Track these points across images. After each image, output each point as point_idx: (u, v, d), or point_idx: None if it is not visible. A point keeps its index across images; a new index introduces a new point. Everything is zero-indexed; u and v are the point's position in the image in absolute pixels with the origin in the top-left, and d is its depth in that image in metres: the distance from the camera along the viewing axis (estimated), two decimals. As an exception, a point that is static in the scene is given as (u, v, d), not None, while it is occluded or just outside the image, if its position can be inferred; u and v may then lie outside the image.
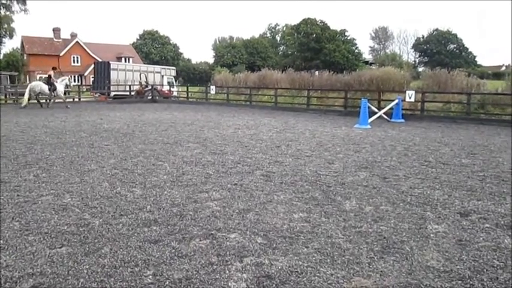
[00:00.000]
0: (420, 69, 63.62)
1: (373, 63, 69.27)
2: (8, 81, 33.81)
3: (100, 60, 45.75)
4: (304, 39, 72.42)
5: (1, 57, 56.29)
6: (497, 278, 3.42)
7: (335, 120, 17.34)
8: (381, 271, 3.53)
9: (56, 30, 58.52)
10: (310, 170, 7.33)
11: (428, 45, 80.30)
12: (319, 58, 70.10)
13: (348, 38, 76.88)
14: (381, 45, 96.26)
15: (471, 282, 3.35)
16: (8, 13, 51.89)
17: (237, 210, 5.07)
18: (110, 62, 34.57)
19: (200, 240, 4.14)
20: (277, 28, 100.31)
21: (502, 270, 3.57)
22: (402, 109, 17.48)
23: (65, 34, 59.69)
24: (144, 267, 3.54)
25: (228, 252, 3.85)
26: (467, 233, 4.43)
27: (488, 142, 11.12)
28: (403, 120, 16.85)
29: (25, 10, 50.60)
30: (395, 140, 11.25)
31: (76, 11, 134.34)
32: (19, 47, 62.36)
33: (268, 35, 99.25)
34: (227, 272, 3.48)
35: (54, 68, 26.14)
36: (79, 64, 57.87)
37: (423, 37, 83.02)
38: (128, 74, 34.14)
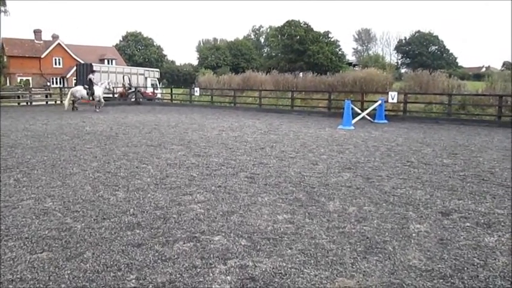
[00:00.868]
0: (402, 70, 64.53)
1: (356, 65, 69.82)
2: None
3: (82, 62, 45.18)
4: (288, 41, 72.66)
5: (-20, 60, 55.25)
6: (478, 276, 3.48)
7: (319, 121, 17.43)
8: (364, 271, 3.56)
9: (37, 32, 57.60)
10: (294, 172, 7.35)
11: (410, 47, 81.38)
12: (303, 60, 70.39)
13: (332, 39, 77.35)
14: (364, 47, 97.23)
15: (452, 281, 3.40)
16: (-13, 14, 50.91)
17: (221, 213, 5.06)
18: (93, 64, 34.20)
19: (184, 243, 4.11)
20: (261, 30, 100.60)
21: (482, 268, 3.63)
22: (385, 110, 17.68)
23: (46, 36, 58.86)
24: (127, 271, 3.51)
25: (212, 255, 3.84)
26: (448, 232, 4.49)
27: (469, 142, 11.31)
28: (386, 121, 17.02)
29: (5, 11, 49.71)
30: (379, 141, 11.36)
31: (58, 13, 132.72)
32: (-1, 49, 61.26)
33: (252, 36, 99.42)
34: (211, 274, 3.47)
35: (92, 72, 25.59)
36: (61, 66, 57.03)
37: (405, 39, 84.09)
38: (110, 76, 33.79)
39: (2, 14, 44.58)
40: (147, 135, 12.03)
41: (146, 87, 34.65)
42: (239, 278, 3.41)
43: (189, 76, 67.13)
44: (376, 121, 16.94)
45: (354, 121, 15.33)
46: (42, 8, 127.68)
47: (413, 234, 4.41)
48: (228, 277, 3.42)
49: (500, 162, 8.46)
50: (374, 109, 17.30)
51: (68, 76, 54.92)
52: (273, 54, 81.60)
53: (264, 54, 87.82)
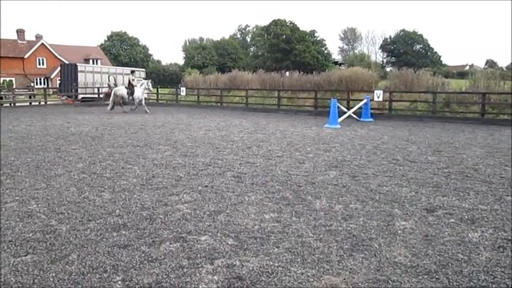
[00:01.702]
0: (388, 69, 64.98)
1: (342, 64, 70.27)
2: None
3: (67, 62, 44.69)
4: (274, 40, 72.77)
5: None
6: (462, 271, 3.53)
7: (305, 120, 17.49)
8: (350, 268, 3.58)
9: (20, 32, 56.76)
10: (281, 170, 7.37)
11: (395, 46, 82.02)
12: (290, 59, 70.57)
13: (318, 38, 77.72)
14: (350, 46, 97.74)
15: (437, 276, 3.44)
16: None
17: (207, 212, 5.05)
18: (77, 64, 33.84)
19: (170, 244, 4.10)
20: (247, 29, 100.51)
21: (466, 263, 3.68)
22: (371, 108, 17.81)
23: (29, 36, 58.06)
24: (113, 273, 3.49)
25: (198, 255, 3.83)
26: (433, 228, 4.55)
27: (453, 139, 11.45)
28: (371, 120, 17.15)
29: (-13, 11, 48.88)
30: (365, 139, 11.44)
31: (41, 12, 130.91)
32: (-19, 49, 60.19)
33: (239, 36, 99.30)
34: (198, 274, 3.46)
35: (133, 72, 24.81)
36: (45, 66, 56.31)
37: (390, 38, 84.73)
38: (96, 76, 33.49)
39: (-16, 13, 43.84)
40: (133, 136, 11.95)
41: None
42: (226, 278, 3.41)
43: (175, 76, 66.80)
44: (362, 119, 17.06)
45: (340, 120, 15.42)
46: (25, 8, 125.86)
47: (399, 231, 4.45)
48: (215, 277, 3.42)
49: (484, 158, 8.58)
50: (360, 108, 17.42)
51: (52, 76, 54.25)
52: (259, 53, 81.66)
53: (251, 54, 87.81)
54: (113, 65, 56.26)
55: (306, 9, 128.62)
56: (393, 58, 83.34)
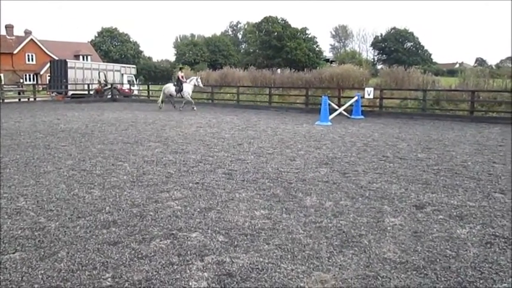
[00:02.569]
0: (379, 66, 65.24)
1: (333, 61, 70.31)
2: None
3: (56, 58, 44.24)
4: (266, 37, 72.64)
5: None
6: (450, 267, 3.56)
7: (296, 117, 17.52)
8: (340, 265, 3.60)
9: (9, 27, 56.09)
10: (272, 167, 7.38)
11: (386, 44, 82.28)
12: (281, 56, 70.50)
13: (309, 36, 77.64)
14: (341, 43, 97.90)
15: (425, 272, 3.47)
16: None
17: (198, 209, 5.04)
18: (67, 60, 33.54)
19: (161, 241, 4.09)
20: (238, 26, 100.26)
21: (454, 259, 3.72)
22: (361, 106, 17.88)
23: (18, 31, 57.40)
24: (102, 270, 3.47)
25: (189, 252, 3.83)
26: (422, 224, 4.59)
27: (443, 137, 11.54)
28: (362, 117, 17.22)
29: (-26, 6, 48.21)
30: (355, 136, 11.49)
31: (30, 7, 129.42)
32: (-31, 45, 59.38)
33: (230, 32, 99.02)
34: (188, 271, 3.46)
35: (181, 68, 23.76)
36: (34, 62, 55.75)
37: (381, 35, 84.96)
38: (86, 72, 33.20)
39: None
40: (124, 132, 11.89)
41: (123, 83, 34.18)
42: (216, 274, 3.41)
43: (166, 72, 66.49)
44: (352, 117, 17.12)
45: (331, 117, 15.47)
46: (14, 2, 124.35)
47: (388, 228, 4.48)
48: (205, 273, 3.42)
49: (472, 155, 8.67)
50: (351, 105, 17.48)
51: (41, 73, 53.77)
52: (251, 50, 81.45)
53: (242, 51, 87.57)
54: (104, 62, 55.85)
55: (298, 7, 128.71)
56: (384, 56, 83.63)
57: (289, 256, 3.76)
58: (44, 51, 55.64)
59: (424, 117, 17.07)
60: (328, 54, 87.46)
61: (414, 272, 3.47)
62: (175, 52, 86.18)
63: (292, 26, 74.83)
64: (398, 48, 79.95)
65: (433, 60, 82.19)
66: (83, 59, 54.17)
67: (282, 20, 74.41)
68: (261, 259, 3.69)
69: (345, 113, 17.17)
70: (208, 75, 34.55)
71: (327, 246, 3.99)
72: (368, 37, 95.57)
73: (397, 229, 4.45)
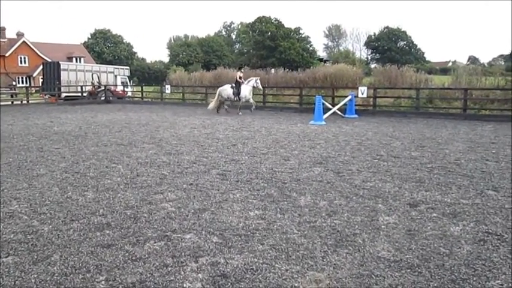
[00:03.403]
0: (372, 65, 65.35)
1: (327, 61, 70.43)
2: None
3: (49, 60, 44.03)
4: (260, 37, 72.67)
5: None
6: (443, 265, 3.57)
7: (291, 117, 17.53)
8: (335, 264, 3.61)
9: (1, 30, 55.79)
10: (266, 168, 7.38)
11: (379, 43, 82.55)
12: (275, 56, 70.55)
13: (303, 35, 77.75)
14: (335, 43, 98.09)
15: (419, 270, 3.49)
16: None
17: (192, 211, 5.03)
18: (60, 62, 33.36)
19: (155, 242, 4.08)
20: (232, 26, 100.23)
21: (448, 257, 3.74)
22: (355, 105, 17.93)
23: (10, 33, 57.06)
24: (96, 273, 3.45)
25: (183, 253, 3.82)
26: (416, 223, 4.60)
27: (436, 135, 11.59)
28: (356, 116, 17.27)
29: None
30: (349, 135, 11.52)
31: (22, 9, 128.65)
32: (-40, 48, 58.92)
33: (224, 33, 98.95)
34: (182, 273, 3.45)
35: (240, 68, 21.81)
36: (27, 65, 55.45)
37: (375, 34, 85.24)
38: (79, 74, 33.04)
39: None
40: (118, 134, 11.84)
41: (116, 85, 34.07)
42: (211, 276, 3.40)
43: (160, 73, 66.34)
44: (346, 116, 17.16)
45: (325, 116, 15.49)
46: (6, 5, 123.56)
47: (382, 226, 4.49)
48: (200, 275, 3.41)
49: (466, 153, 8.71)
50: (345, 104, 17.52)
51: (34, 75, 53.48)
52: (245, 50, 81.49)
53: (236, 51, 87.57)
54: (97, 63, 55.64)
55: (291, 7, 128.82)
56: (377, 55, 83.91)
57: (283, 256, 3.76)
58: (37, 54, 55.35)
59: (418, 116, 17.13)
60: (321, 53, 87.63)
61: (408, 270, 3.48)
62: (169, 53, 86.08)
63: (286, 25, 74.91)
64: (391, 47, 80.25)
65: (426, 59, 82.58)
66: (76, 61, 53.97)
67: (276, 20, 74.47)
68: (256, 260, 3.69)
69: (339, 112, 17.21)
70: (202, 75, 34.57)
71: (321, 245, 3.99)
72: (361, 36, 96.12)
73: (391, 227, 4.46)
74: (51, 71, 32.01)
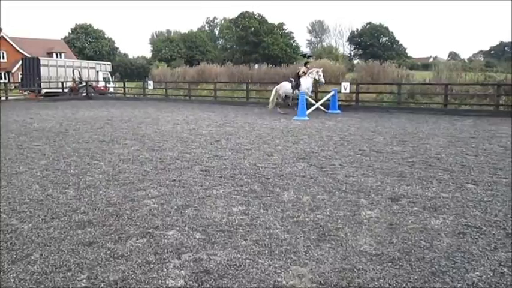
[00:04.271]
0: (355, 61, 65.85)
1: (310, 56, 70.68)
2: None
3: (29, 56, 43.20)
4: (243, 32, 72.53)
5: None
6: (424, 258, 3.63)
7: (274, 112, 17.53)
8: (317, 258, 3.63)
9: (-22, 25, 54.54)
10: (250, 163, 7.37)
11: (362, 38, 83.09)
12: (258, 51, 70.55)
13: (286, 31, 77.85)
14: (318, 39, 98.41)
15: (400, 263, 3.53)
16: None
17: (175, 207, 5.00)
18: (40, 58, 32.80)
19: (137, 240, 4.04)
20: (215, 22, 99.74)
21: (428, 250, 3.79)
22: (338, 100, 18.02)
23: (-13, 28, 55.75)
24: (77, 271, 3.41)
25: (165, 250, 3.80)
26: (397, 216, 4.66)
27: (418, 130, 11.74)
28: (339, 111, 17.36)
29: None
30: (332, 131, 11.59)
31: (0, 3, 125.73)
32: None
33: (207, 28, 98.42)
34: (165, 270, 3.43)
35: (306, 63, 19.00)
36: (5, 60, 54.30)
37: (357, 30, 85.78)
38: (59, 70, 32.52)
39: None
40: (99, 131, 11.70)
41: (98, 81, 33.64)
42: (193, 272, 3.39)
43: (143, 69, 65.69)
44: (329, 111, 17.24)
45: (308, 112, 15.54)
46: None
47: (365, 221, 4.54)
48: (182, 271, 3.40)
49: (446, 148, 8.84)
50: (327, 100, 17.59)
51: (13, 71, 52.43)
52: (228, 46, 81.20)
53: (219, 46, 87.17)
54: (78, 59, 54.84)
55: (274, 2, 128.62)
56: (360, 50, 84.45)
57: (266, 251, 3.77)
58: (16, 49, 54.27)
59: (400, 111, 17.30)
60: (305, 49, 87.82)
61: (390, 264, 3.52)
62: (152, 48, 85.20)
63: (269, 21, 74.89)
64: (373, 43, 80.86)
65: (408, 55, 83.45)
66: (57, 57, 53.08)
67: (259, 15, 74.41)
68: (239, 255, 3.69)
69: (322, 108, 17.27)
70: (185, 71, 34.35)
71: (304, 240, 4.01)
72: (344, 32, 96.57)
73: (373, 222, 4.50)
74: (31, 66, 31.45)
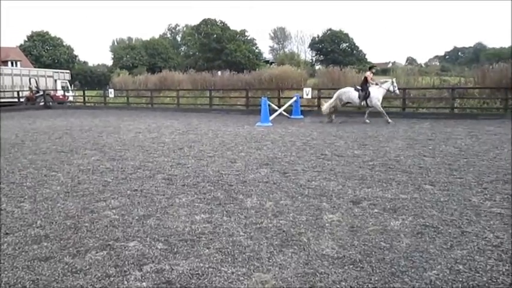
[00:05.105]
0: (316, 67, 66.93)
1: (273, 63, 71.30)
2: None
3: (-19, 64, 41.53)
4: (205, 39, 72.47)
5: None
6: (384, 259, 3.70)
7: (238, 119, 17.57)
8: (280, 264, 3.64)
9: None
10: (213, 170, 7.34)
11: (323, 45, 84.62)
12: (221, 58, 70.64)
13: (248, 38, 78.40)
14: (280, 45, 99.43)
15: (361, 265, 3.59)
16: None
17: (136, 217, 4.90)
18: (-6, 67, 31.58)
19: (96, 253, 3.93)
20: (177, 28, 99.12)
21: (388, 251, 3.87)
22: (301, 106, 18.26)
23: None
24: (32, 288, 3.28)
25: (126, 262, 3.71)
26: (358, 219, 4.74)
27: (378, 133, 12.03)
28: (302, 117, 17.58)
29: None
30: (295, 136, 11.70)
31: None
32: None
33: (169, 35, 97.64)
34: (125, 282, 3.35)
35: (371, 68, 16.69)
36: (-44, 69, 51.99)
37: (318, 37, 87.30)
38: (15, 78, 31.43)
39: None
40: (58, 141, 11.35)
41: (56, 90, 32.70)
42: (155, 283, 3.33)
43: (103, 77, 64.42)
44: (292, 117, 17.44)
45: (271, 118, 15.65)
46: None
47: (327, 224, 4.59)
48: (144, 283, 3.33)
49: (405, 150, 9.09)
50: (290, 105, 17.79)
51: (-35, 80, 50.18)
52: (191, 53, 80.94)
53: (182, 53, 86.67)
54: (35, 67, 53.11)
55: (236, 9, 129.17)
56: (321, 56, 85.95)
57: (229, 259, 3.75)
58: (-33, 58, 52.02)
59: (361, 115, 17.61)
60: (267, 55, 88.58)
61: (351, 266, 3.57)
62: (112, 56, 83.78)
63: (231, 28, 75.14)
64: (334, 49, 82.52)
65: (368, 60, 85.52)
66: (12, 65, 51.20)
67: (221, 22, 74.52)
68: (201, 264, 3.65)
69: (285, 114, 17.45)
70: (147, 79, 33.86)
71: (267, 246, 4.02)
72: (306, 38, 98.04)
73: (334, 225, 4.56)
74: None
